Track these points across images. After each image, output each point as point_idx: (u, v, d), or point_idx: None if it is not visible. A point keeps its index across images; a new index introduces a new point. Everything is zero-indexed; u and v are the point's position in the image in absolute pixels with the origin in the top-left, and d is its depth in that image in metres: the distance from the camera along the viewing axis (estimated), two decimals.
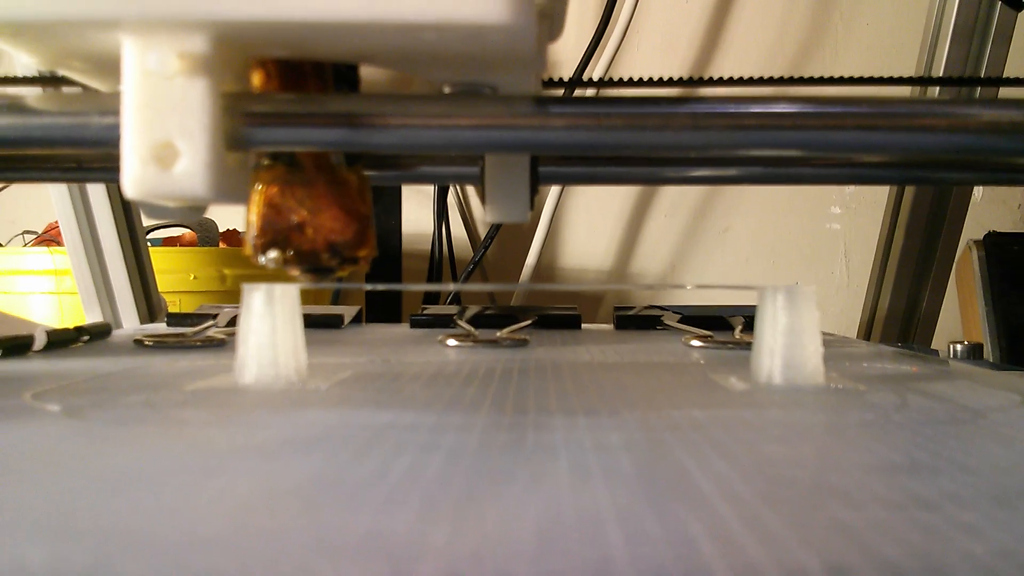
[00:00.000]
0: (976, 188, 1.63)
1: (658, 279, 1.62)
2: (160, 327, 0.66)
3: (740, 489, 0.18)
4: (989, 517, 0.16)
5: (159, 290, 0.87)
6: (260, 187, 0.32)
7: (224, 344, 0.50)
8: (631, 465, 0.20)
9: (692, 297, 1.42)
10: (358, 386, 0.34)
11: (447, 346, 0.49)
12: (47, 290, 1.00)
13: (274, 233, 0.31)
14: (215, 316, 0.63)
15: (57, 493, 0.18)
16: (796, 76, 0.44)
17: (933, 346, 0.80)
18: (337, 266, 0.33)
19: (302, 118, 0.27)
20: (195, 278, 1.02)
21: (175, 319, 0.66)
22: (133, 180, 0.24)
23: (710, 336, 0.52)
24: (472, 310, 0.64)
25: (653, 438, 0.24)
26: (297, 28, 0.24)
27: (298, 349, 0.35)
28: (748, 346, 0.48)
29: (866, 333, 0.82)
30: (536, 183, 0.37)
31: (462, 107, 0.28)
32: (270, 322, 0.35)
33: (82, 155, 0.41)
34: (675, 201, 1.44)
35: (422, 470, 0.20)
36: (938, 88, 0.71)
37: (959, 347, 0.53)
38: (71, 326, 0.52)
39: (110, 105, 0.26)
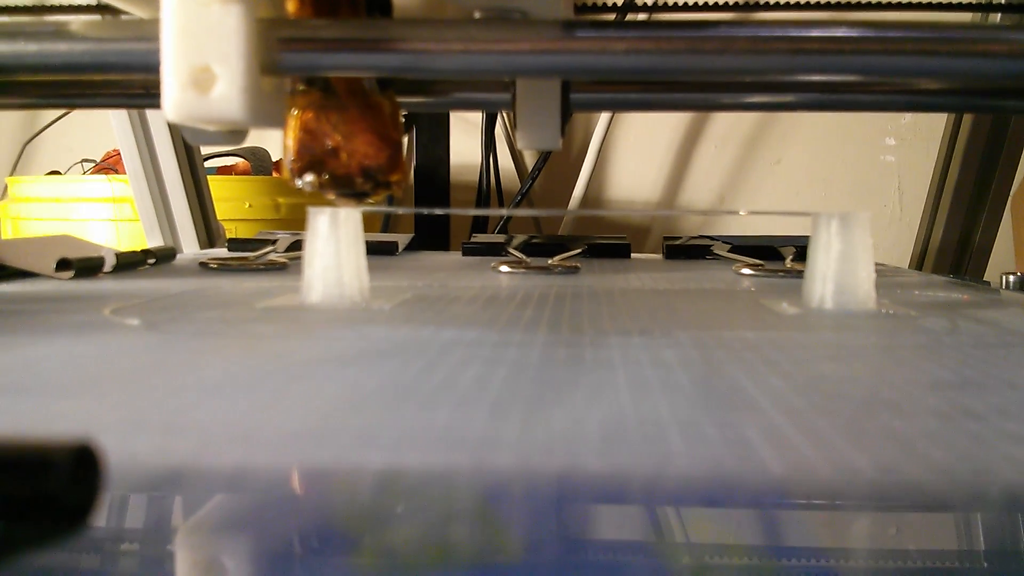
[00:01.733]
0: None
1: (706, 210, 1.61)
2: (222, 252, 0.68)
3: (794, 401, 0.19)
4: None
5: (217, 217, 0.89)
6: (295, 112, 0.32)
7: (286, 267, 0.52)
8: (687, 379, 0.21)
9: (742, 227, 1.41)
10: (419, 307, 0.36)
11: (500, 272, 0.50)
12: (106, 217, 1.02)
13: (310, 157, 0.32)
14: (274, 241, 0.65)
15: (156, 396, 0.20)
16: (853, 1, 0.44)
17: (986, 279, 0.79)
18: (371, 190, 0.34)
19: (335, 43, 0.28)
20: (250, 206, 1.03)
21: (236, 244, 0.68)
22: (173, 104, 0.25)
23: (761, 264, 0.52)
24: (522, 238, 0.65)
25: (707, 355, 0.25)
26: None
27: (361, 270, 0.37)
28: (799, 274, 0.48)
29: (918, 264, 0.82)
30: (568, 110, 0.37)
31: (493, 32, 0.28)
32: (335, 245, 0.36)
33: (148, 80, 0.43)
34: (726, 132, 1.42)
35: (489, 379, 0.21)
36: (999, 15, 0.69)
37: (1011, 278, 0.53)
38: (138, 249, 0.54)
39: (151, 32, 0.27)
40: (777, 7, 0.40)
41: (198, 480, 0.14)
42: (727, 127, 1.52)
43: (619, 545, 0.12)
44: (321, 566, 0.11)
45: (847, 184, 1.55)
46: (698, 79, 0.33)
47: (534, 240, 0.66)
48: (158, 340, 0.27)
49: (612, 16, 0.91)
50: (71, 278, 0.45)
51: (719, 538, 0.12)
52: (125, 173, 1.23)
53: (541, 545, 0.11)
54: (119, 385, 0.21)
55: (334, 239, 0.36)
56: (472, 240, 0.67)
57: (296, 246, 0.64)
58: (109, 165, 1.26)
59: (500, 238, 0.67)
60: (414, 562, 0.11)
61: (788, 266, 0.53)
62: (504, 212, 1.12)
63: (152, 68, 0.26)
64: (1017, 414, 0.18)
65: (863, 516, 0.14)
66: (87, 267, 0.47)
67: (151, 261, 0.54)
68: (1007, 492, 0.14)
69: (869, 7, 0.46)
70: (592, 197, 1.35)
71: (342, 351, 0.25)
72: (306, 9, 0.30)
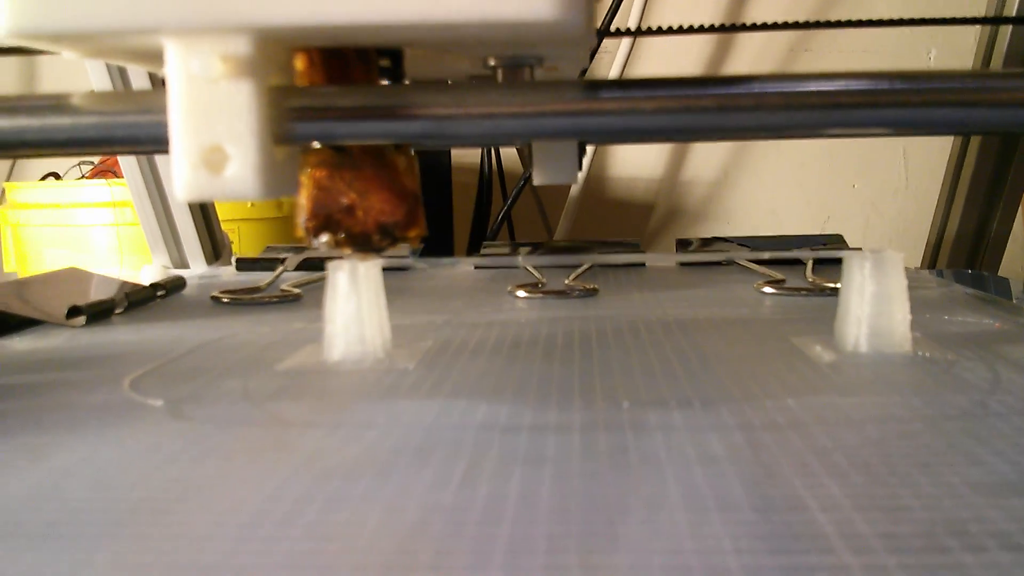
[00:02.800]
0: None
1: (711, 186, 1.59)
2: (230, 272, 0.67)
3: (857, 526, 0.18)
4: None
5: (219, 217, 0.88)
6: (309, 170, 0.31)
7: (300, 299, 0.51)
8: (739, 486, 0.21)
9: (749, 209, 1.40)
10: (443, 363, 0.35)
11: (517, 297, 0.50)
12: (107, 222, 1.01)
13: (325, 216, 0.31)
14: (283, 260, 0.64)
15: (193, 537, 0.19)
16: (832, 20, 0.42)
17: (1003, 271, 0.78)
18: (388, 246, 0.33)
19: (350, 111, 0.27)
20: (252, 205, 1.02)
21: (244, 264, 0.67)
22: (184, 185, 0.24)
23: (782, 281, 0.51)
24: (532, 250, 0.64)
25: (753, 441, 0.24)
26: (342, 28, 0.23)
27: (383, 324, 0.36)
28: (822, 292, 0.47)
29: (933, 254, 0.81)
30: (584, 145, 0.36)
31: (515, 95, 0.27)
32: (356, 300, 0.35)
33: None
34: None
35: (536, 493, 0.20)
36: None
37: None
38: (147, 284, 0.53)
39: (158, 104, 0.26)
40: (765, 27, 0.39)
41: None
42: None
43: None
44: None
45: (852, 154, 1.54)
46: (729, 138, 0.32)
47: (546, 248, 0.65)
48: (184, 435, 0.26)
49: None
50: (83, 325, 0.45)
51: None
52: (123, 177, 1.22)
53: None
54: (153, 518, 0.20)
55: (355, 295, 0.35)
56: (484, 252, 0.66)
57: (305, 265, 0.64)
58: (107, 167, 1.25)
59: (507, 248, 0.66)
60: None
61: (810, 280, 0.52)
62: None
63: (161, 142, 0.25)
64: None
65: None
66: (100, 311, 0.46)
67: (160, 294, 0.53)
68: None
69: (848, 24, 0.45)
70: (595, 176, 1.33)
71: (375, 448, 0.24)
72: (316, 70, 0.29)
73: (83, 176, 1.26)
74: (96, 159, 1.26)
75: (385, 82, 0.30)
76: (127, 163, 0.81)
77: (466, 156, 1.24)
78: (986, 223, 0.75)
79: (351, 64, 0.29)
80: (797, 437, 0.24)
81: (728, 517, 0.19)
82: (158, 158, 0.79)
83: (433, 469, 0.23)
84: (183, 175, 0.24)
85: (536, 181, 0.36)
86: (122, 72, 0.69)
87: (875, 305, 0.34)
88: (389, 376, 0.33)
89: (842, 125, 0.28)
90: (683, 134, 0.28)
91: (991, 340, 0.37)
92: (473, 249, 1.10)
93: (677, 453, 0.23)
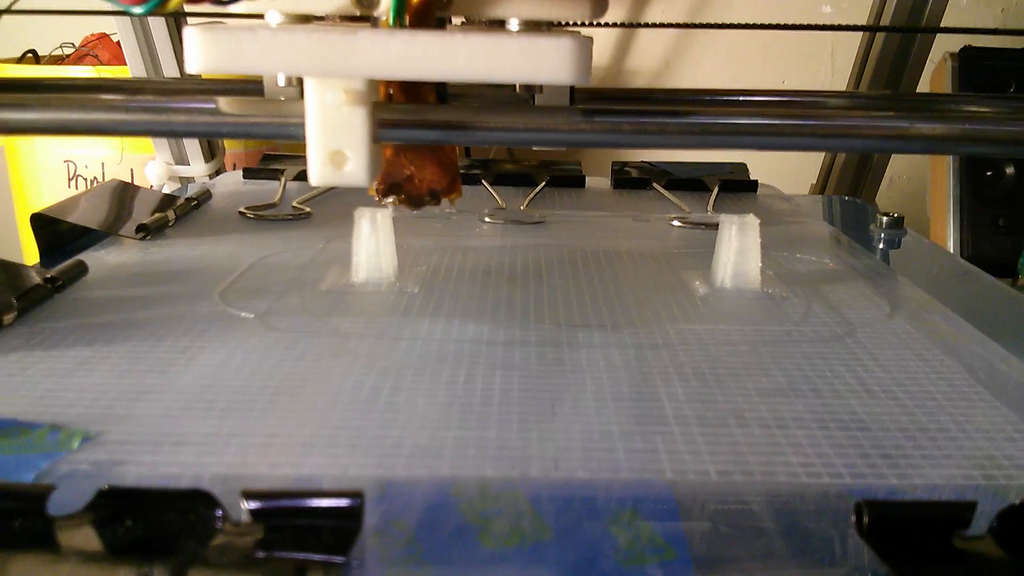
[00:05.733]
0: None
1: (653, 76, 1.72)
2: (236, 180, 0.80)
3: (686, 410, 0.34)
4: (812, 434, 0.32)
5: None
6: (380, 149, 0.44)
7: (311, 217, 0.65)
8: (625, 386, 0.36)
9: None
10: (437, 289, 0.49)
11: (485, 223, 0.64)
12: None
13: (391, 183, 0.44)
14: (283, 171, 0.77)
15: (336, 414, 0.34)
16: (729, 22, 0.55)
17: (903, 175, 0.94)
18: (434, 204, 0.46)
19: (419, 122, 0.39)
20: None
21: (250, 173, 0.79)
22: (316, 174, 0.36)
23: (687, 215, 0.66)
24: (485, 172, 0.78)
25: (641, 356, 0.40)
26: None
27: (392, 256, 0.50)
28: (712, 227, 0.63)
29: (825, 177, 0.96)
30: None
31: (532, 117, 0.40)
32: (375, 240, 0.49)
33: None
34: None
35: (511, 390, 0.36)
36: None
37: (884, 219, 0.68)
38: (185, 198, 0.66)
39: (293, 111, 0.38)
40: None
41: (400, 484, 0.29)
42: None
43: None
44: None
45: (784, 49, 1.68)
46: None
47: (504, 169, 0.79)
48: (281, 342, 0.41)
49: None
50: (146, 237, 0.58)
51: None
52: (107, 62, 1.30)
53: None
54: (290, 397, 0.35)
55: (375, 236, 0.49)
56: None
57: (305, 176, 0.77)
58: (90, 51, 1.32)
59: (475, 171, 0.79)
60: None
61: (709, 212, 0.67)
62: None
63: (295, 138, 0.37)
64: (806, 421, 0.33)
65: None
66: (159, 226, 0.59)
67: (194, 204, 0.66)
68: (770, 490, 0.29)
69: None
70: None
71: (409, 355, 0.39)
72: (397, 90, 0.41)
73: (65, 57, 1.33)
74: (77, 41, 1.33)
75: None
76: (133, 61, 0.90)
77: None
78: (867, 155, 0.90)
79: (420, 87, 0.42)
80: (666, 353, 0.40)
81: (617, 404, 0.35)
82: (160, 49, 0.88)
83: (448, 370, 0.38)
84: (315, 168, 0.35)
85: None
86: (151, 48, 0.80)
87: (737, 255, 0.50)
88: (402, 298, 0.47)
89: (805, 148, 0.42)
90: (646, 144, 0.41)
91: (819, 279, 0.53)
92: None
93: (592, 363, 0.39)
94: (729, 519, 0.27)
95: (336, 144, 0.35)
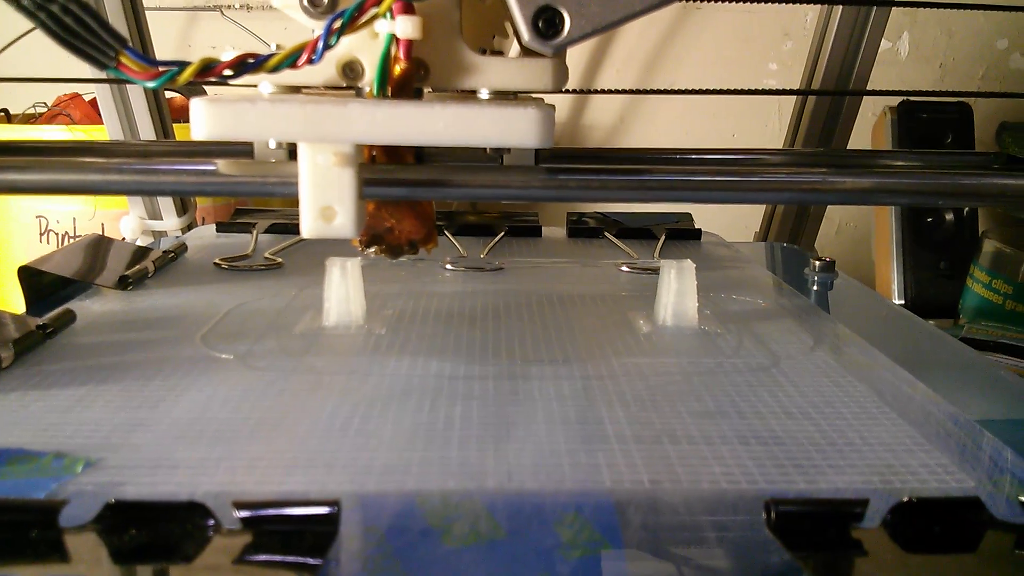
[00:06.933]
0: (901, 43, 1.83)
1: (609, 131, 1.80)
2: (210, 234, 0.84)
3: (625, 431, 0.39)
4: (733, 449, 0.37)
5: None
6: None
7: (282, 267, 0.69)
8: (573, 412, 0.41)
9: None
10: (402, 330, 0.54)
11: (447, 270, 0.69)
12: None
13: (373, 234, 0.49)
14: (254, 224, 0.81)
15: (306, 438, 0.38)
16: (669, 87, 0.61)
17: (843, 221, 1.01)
18: (412, 253, 0.51)
19: (400, 180, 0.44)
20: None
21: (223, 227, 0.83)
22: (308, 228, 0.39)
23: (635, 261, 0.72)
24: (449, 223, 0.83)
25: (588, 387, 0.44)
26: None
27: (361, 301, 0.54)
28: (656, 272, 0.68)
29: (767, 225, 1.03)
30: None
31: (503, 176, 0.44)
32: (344, 286, 0.54)
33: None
34: (627, 55, 1.59)
35: (471, 416, 0.40)
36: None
37: (818, 263, 0.74)
38: (163, 251, 0.70)
39: (288, 173, 0.42)
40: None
41: (362, 500, 0.33)
42: (628, 51, 1.70)
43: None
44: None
45: (733, 104, 1.76)
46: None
47: (466, 220, 0.84)
48: (261, 379, 0.45)
49: None
50: (128, 288, 0.61)
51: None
52: (79, 121, 1.34)
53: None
54: (273, 428, 0.39)
55: (345, 283, 0.54)
56: None
57: (275, 229, 0.81)
58: (62, 110, 1.36)
59: (439, 222, 0.84)
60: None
61: (655, 260, 0.72)
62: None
63: (288, 197, 0.41)
64: (735, 438, 0.38)
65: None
66: (139, 277, 0.63)
67: (171, 256, 0.70)
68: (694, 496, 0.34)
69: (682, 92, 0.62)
70: None
71: (377, 388, 0.43)
72: (379, 152, 0.45)
73: (38, 116, 1.36)
74: (49, 101, 1.37)
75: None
76: (110, 121, 0.95)
77: None
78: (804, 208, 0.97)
79: (400, 149, 0.47)
80: (611, 384, 0.45)
81: (566, 428, 0.39)
82: (136, 109, 0.92)
83: (413, 401, 0.42)
84: (308, 222, 0.38)
85: None
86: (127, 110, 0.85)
87: (676, 296, 0.55)
88: (370, 339, 0.52)
89: (752, 202, 0.47)
90: (604, 199, 0.46)
91: (752, 317, 0.58)
92: None
93: (543, 393, 0.43)
94: (657, 517, 0.32)
95: (326, 200, 0.39)
